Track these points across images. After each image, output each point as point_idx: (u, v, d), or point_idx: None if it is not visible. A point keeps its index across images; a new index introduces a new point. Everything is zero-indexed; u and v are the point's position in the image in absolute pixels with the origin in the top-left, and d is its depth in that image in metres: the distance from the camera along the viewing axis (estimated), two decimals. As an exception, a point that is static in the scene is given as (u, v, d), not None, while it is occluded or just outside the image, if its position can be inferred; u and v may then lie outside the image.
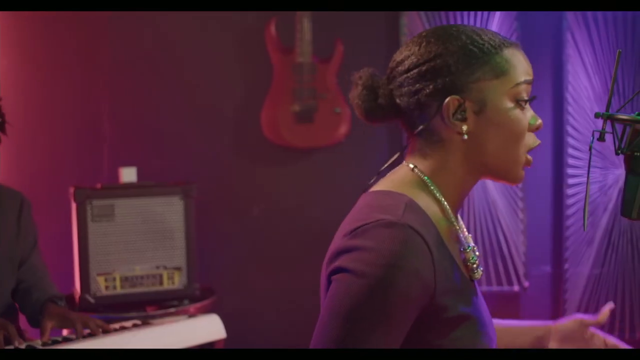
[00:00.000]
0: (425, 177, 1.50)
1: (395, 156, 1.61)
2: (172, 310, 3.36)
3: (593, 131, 1.53)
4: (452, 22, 3.97)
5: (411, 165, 1.52)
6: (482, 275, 1.53)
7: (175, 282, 3.48)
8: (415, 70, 1.48)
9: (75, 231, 3.37)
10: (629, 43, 3.90)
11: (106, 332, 2.63)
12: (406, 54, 1.51)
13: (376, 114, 1.55)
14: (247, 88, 4.07)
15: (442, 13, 3.96)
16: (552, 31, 4.03)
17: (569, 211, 4.00)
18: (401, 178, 1.51)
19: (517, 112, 1.47)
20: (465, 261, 1.50)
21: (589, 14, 3.92)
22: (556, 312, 4.10)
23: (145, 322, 2.91)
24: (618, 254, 3.99)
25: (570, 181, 3.98)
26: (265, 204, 4.13)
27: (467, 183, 1.52)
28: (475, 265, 1.51)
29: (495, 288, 4.04)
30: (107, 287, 3.39)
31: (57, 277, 3.26)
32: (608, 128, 1.52)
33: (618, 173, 3.95)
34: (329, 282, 1.42)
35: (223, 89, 4.07)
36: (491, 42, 1.48)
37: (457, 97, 1.46)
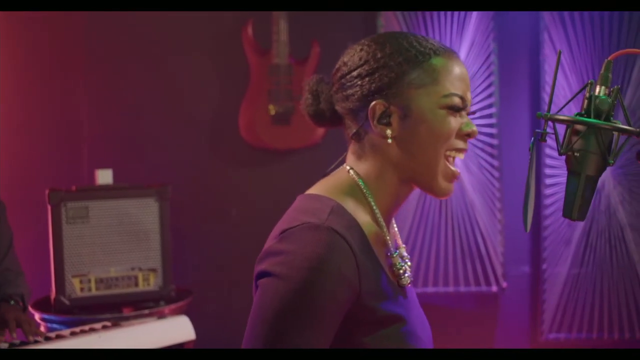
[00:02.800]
0: (360, 181, 1.52)
1: (339, 160, 1.62)
2: (146, 311, 3.36)
3: (534, 131, 1.54)
4: (428, 23, 3.97)
5: (348, 167, 1.54)
6: (410, 282, 1.54)
7: (151, 283, 3.48)
8: (348, 76, 1.52)
9: (50, 233, 3.37)
10: (605, 43, 3.90)
11: (36, 336, 2.64)
12: (344, 61, 1.55)
13: (321, 119, 1.60)
14: (224, 90, 4.07)
15: (419, 13, 3.96)
16: (529, 31, 4.03)
17: (547, 211, 4.01)
18: (337, 181, 1.54)
19: (445, 117, 1.49)
20: (391, 266, 1.51)
21: (566, 13, 3.92)
22: (534, 312, 4.10)
23: (115, 323, 2.91)
24: (596, 254, 3.99)
25: (548, 181, 3.98)
26: (243, 205, 4.13)
27: (400, 191, 1.54)
28: (401, 271, 1.52)
29: (473, 288, 4.04)
30: (82, 289, 3.39)
31: (34, 279, 3.27)
32: (550, 129, 1.53)
33: (595, 173, 3.94)
34: (257, 284, 1.45)
35: (200, 91, 4.07)
36: (420, 50, 1.50)
37: (382, 101, 1.49)
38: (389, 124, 1.49)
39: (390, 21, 3.97)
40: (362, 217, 1.49)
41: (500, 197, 4.00)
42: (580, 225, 3.98)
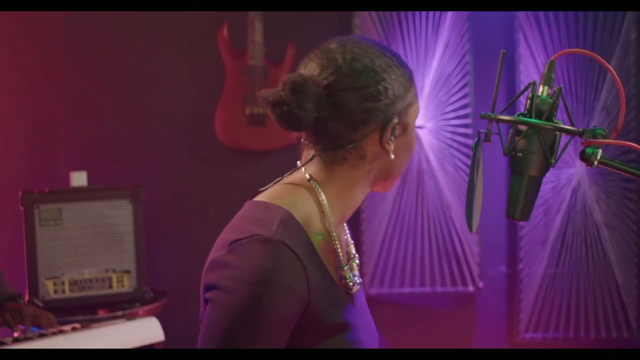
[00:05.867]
0: (318, 188, 1.51)
1: (297, 168, 1.58)
2: (119, 313, 3.36)
3: (478, 132, 1.54)
4: (403, 23, 3.97)
5: (307, 175, 1.52)
6: (359, 289, 1.55)
7: (125, 285, 3.47)
8: (362, 92, 1.47)
9: (23, 235, 3.37)
10: (580, 42, 3.90)
11: (57, 331, 2.64)
12: (343, 73, 1.48)
13: (300, 124, 1.47)
14: (201, 92, 4.07)
15: (394, 13, 3.96)
16: (503, 31, 4.03)
17: (523, 211, 4.00)
18: (291, 188, 1.52)
19: (414, 130, 1.58)
20: (341, 278, 1.51)
21: (541, 13, 3.92)
22: (511, 312, 4.10)
23: (85, 325, 2.90)
24: (572, 253, 4.00)
25: (524, 181, 3.98)
26: (221, 207, 4.12)
27: (362, 199, 1.56)
28: (351, 283, 1.52)
29: (450, 289, 4.04)
30: (55, 291, 3.38)
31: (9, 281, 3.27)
32: (494, 129, 1.53)
33: (571, 172, 3.95)
34: (205, 299, 1.44)
35: (177, 92, 4.07)
36: (408, 69, 1.54)
37: (396, 120, 1.49)
38: (393, 141, 1.51)
39: (365, 21, 3.97)
40: (313, 227, 1.48)
41: (476, 197, 4.00)
42: (557, 225, 3.98)
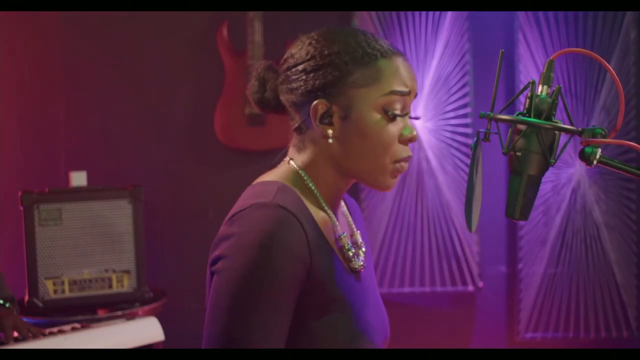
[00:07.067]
0: (301, 171, 1.53)
1: (282, 152, 1.64)
2: (119, 313, 3.36)
3: (478, 131, 1.54)
4: (403, 23, 3.97)
5: (288, 159, 1.57)
6: (362, 266, 1.55)
7: (125, 285, 3.48)
8: (293, 69, 1.52)
9: (23, 235, 3.38)
10: (580, 43, 3.90)
11: (36, 336, 2.63)
12: (291, 53, 1.55)
13: (266, 106, 1.61)
14: (200, 91, 4.07)
15: (394, 13, 3.96)
16: (503, 31, 4.03)
17: (523, 211, 4.00)
18: (280, 171, 1.56)
19: (384, 122, 1.49)
20: (341, 249, 1.53)
21: (540, 13, 3.92)
22: (511, 311, 4.10)
23: (85, 325, 2.91)
24: (572, 253, 3.99)
25: (524, 181, 3.97)
26: (220, 207, 4.11)
27: (338, 183, 1.56)
28: (350, 254, 1.53)
29: (449, 288, 4.04)
30: (55, 291, 3.39)
31: (7, 281, 3.27)
32: (493, 128, 1.53)
33: (571, 172, 3.95)
34: (212, 272, 1.46)
35: (176, 92, 4.07)
36: (367, 51, 1.50)
37: (324, 100, 1.49)
38: (330, 124, 1.49)
39: (365, 21, 3.97)
40: (309, 203, 1.51)
41: (475, 197, 3.99)
42: (556, 225, 3.98)
